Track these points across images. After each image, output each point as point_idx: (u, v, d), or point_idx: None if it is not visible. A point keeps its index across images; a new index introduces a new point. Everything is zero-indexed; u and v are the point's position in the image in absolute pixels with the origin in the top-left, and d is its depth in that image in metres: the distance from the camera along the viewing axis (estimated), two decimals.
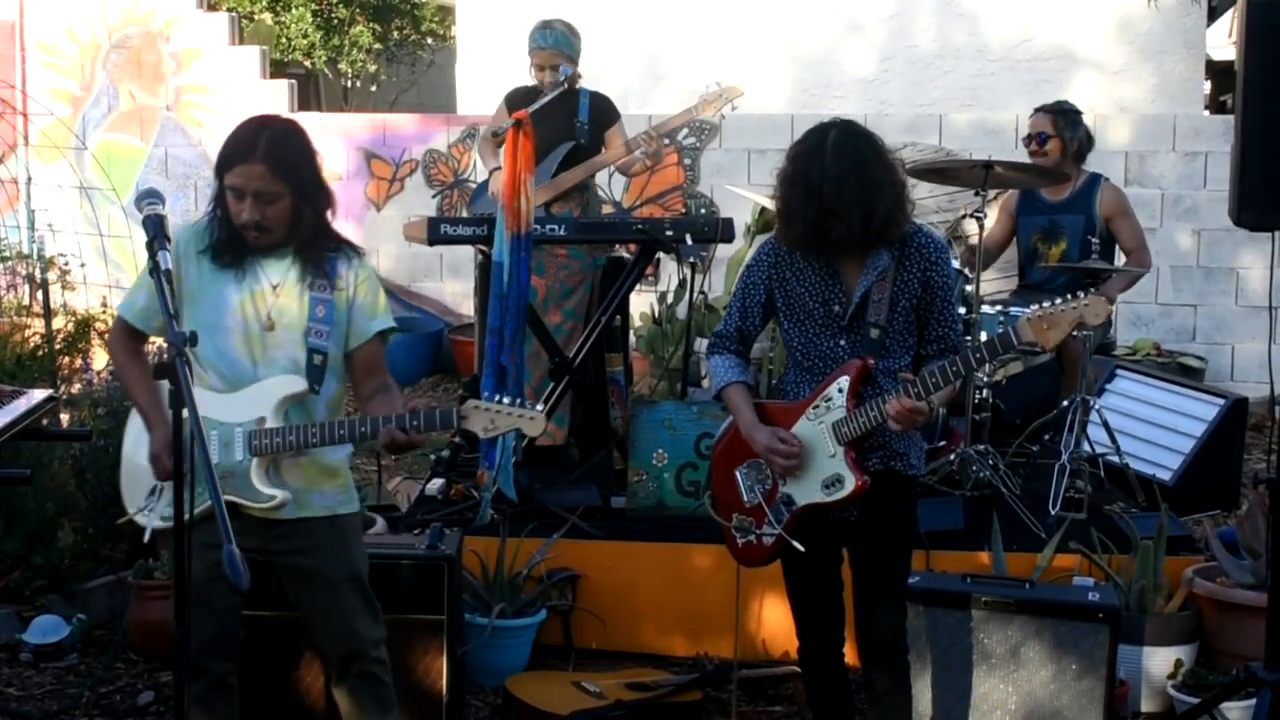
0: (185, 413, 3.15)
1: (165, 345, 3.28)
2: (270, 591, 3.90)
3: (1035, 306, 3.73)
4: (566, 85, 6.62)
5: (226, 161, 3.75)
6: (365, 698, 3.94)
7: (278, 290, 3.79)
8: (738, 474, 4.03)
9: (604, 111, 6.84)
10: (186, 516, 3.18)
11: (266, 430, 3.74)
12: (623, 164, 6.94)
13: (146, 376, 3.81)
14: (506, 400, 3.72)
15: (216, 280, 3.79)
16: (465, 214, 7.32)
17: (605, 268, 6.83)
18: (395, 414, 3.71)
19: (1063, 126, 6.90)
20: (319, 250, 3.81)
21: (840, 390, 3.85)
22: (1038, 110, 7.02)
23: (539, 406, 3.75)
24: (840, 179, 3.76)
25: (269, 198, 3.71)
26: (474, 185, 7.13)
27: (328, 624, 3.91)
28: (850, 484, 3.84)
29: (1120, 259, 7.02)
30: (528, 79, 6.85)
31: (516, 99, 6.79)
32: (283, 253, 3.80)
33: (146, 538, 3.85)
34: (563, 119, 6.59)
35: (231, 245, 3.78)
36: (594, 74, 9.99)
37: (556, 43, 6.67)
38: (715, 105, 6.69)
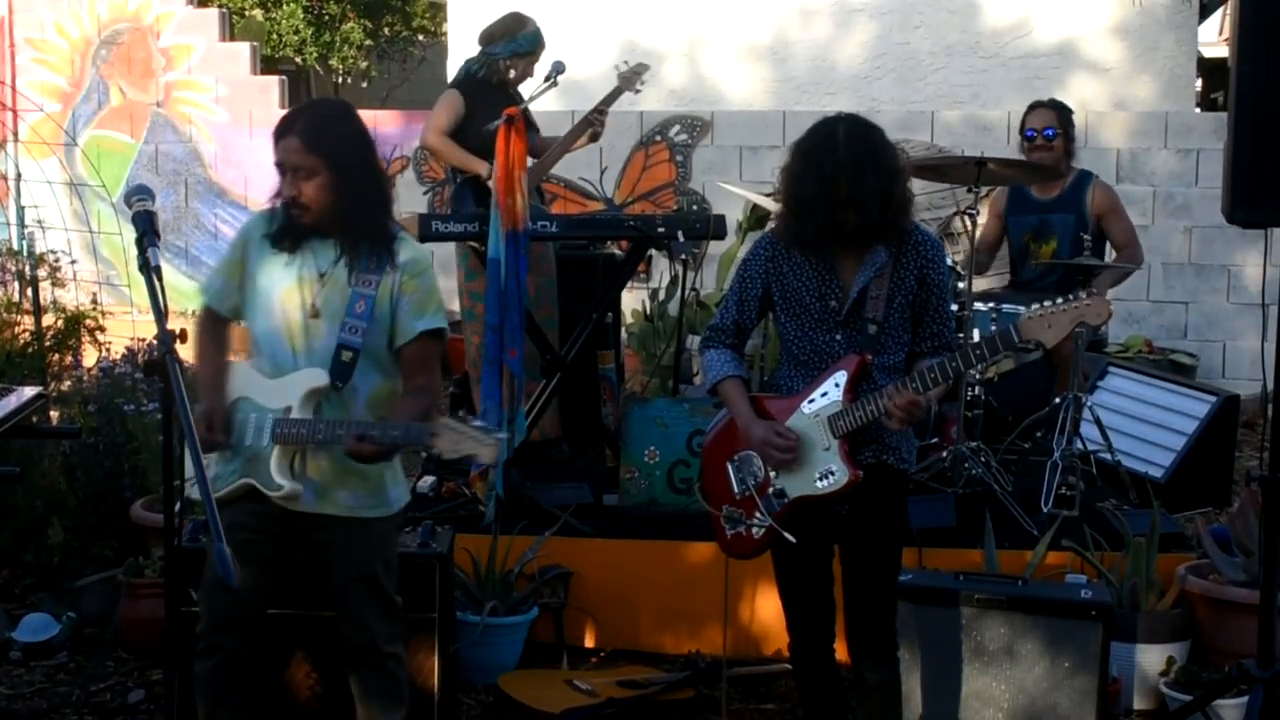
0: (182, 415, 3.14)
1: (155, 341, 3.27)
2: (302, 583, 3.93)
3: (1036, 305, 3.72)
4: (556, 80, 6.62)
5: (273, 139, 3.79)
6: (375, 689, 3.95)
7: (325, 279, 3.79)
8: (729, 466, 4.03)
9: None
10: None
11: (290, 420, 3.74)
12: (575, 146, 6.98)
13: (219, 355, 3.91)
14: (477, 423, 3.60)
15: (272, 265, 3.82)
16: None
17: (591, 258, 6.83)
18: (362, 422, 3.69)
19: (1066, 123, 6.89)
20: (365, 239, 3.79)
21: (837, 384, 3.85)
22: (1039, 106, 6.97)
23: (501, 433, 3.73)
24: (857, 167, 3.76)
25: (304, 172, 3.72)
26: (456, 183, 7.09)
27: (343, 617, 3.91)
28: (844, 477, 3.83)
29: (1110, 256, 7.01)
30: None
31: (471, 90, 6.74)
32: (331, 240, 3.80)
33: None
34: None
35: (288, 230, 3.81)
36: (582, 71, 10.00)
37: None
38: (632, 81, 6.72)
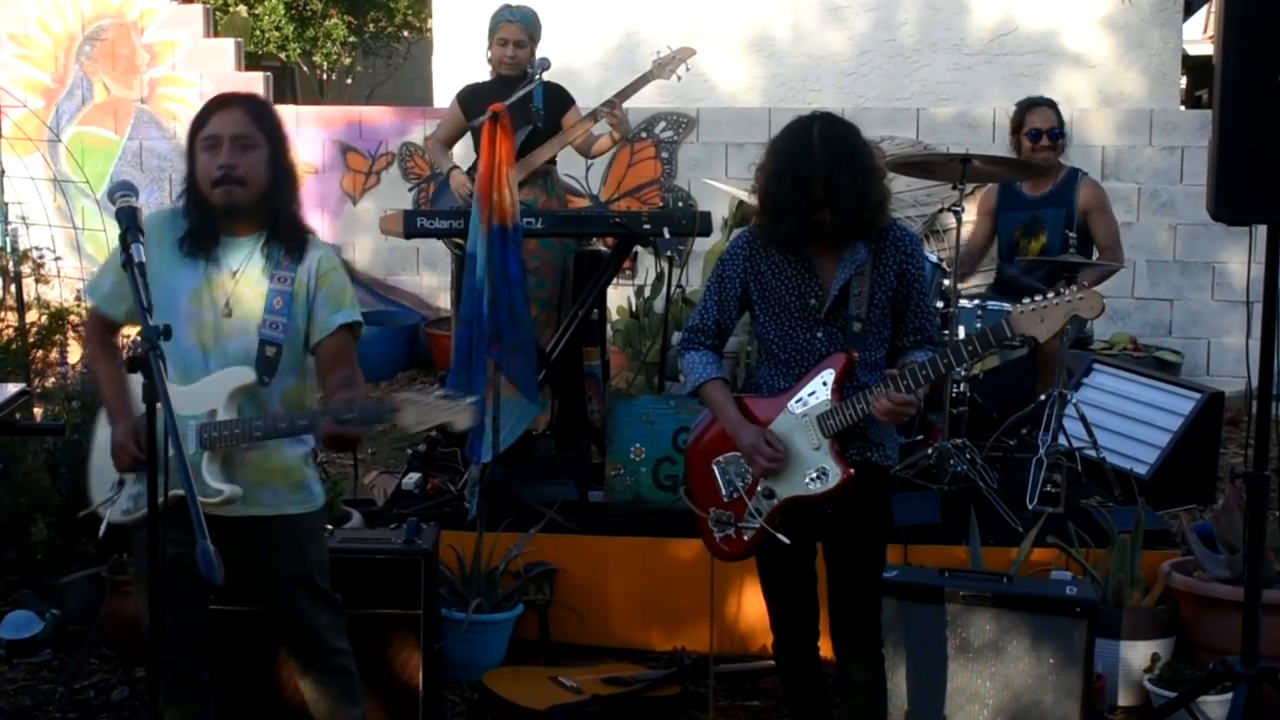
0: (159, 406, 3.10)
1: (139, 338, 3.23)
2: (244, 587, 3.87)
3: (1028, 299, 3.71)
4: (540, 75, 6.62)
5: (201, 120, 3.71)
6: (332, 690, 3.90)
7: (237, 276, 3.71)
8: (714, 468, 4.01)
9: (559, 97, 6.87)
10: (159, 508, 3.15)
11: (217, 423, 3.65)
12: (587, 141, 6.93)
13: (116, 369, 3.78)
14: (438, 392, 3.55)
15: (176, 267, 3.70)
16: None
17: (576, 255, 6.82)
18: (331, 407, 3.63)
19: (1063, 121, 6.90)
20: (285, 230, 3.75)
21: (825, 383, 3.84)
22: (1040, 104, 6.93)
23: (470, 399, 3.56)
24: (831, 168, 3.74)
25: (246, 141, 3.66)
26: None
27: (285, 620, 3.88)
28: (836, 476, 3.82)
29: (1095, 255, 7.01)
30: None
31: (471, 96, 6.80)
32: (248, 238, 3.74)
33: (102, 530, 3.73)
34: (518, 105, 6.55)
35: (200, 234, 3.71)
36: (569, 65, 9.99)
37: (524, 19, 6.77)
38: (669, 67, 6.72)
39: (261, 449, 3.72)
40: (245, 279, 3.72)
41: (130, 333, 3.96)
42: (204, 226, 3.72)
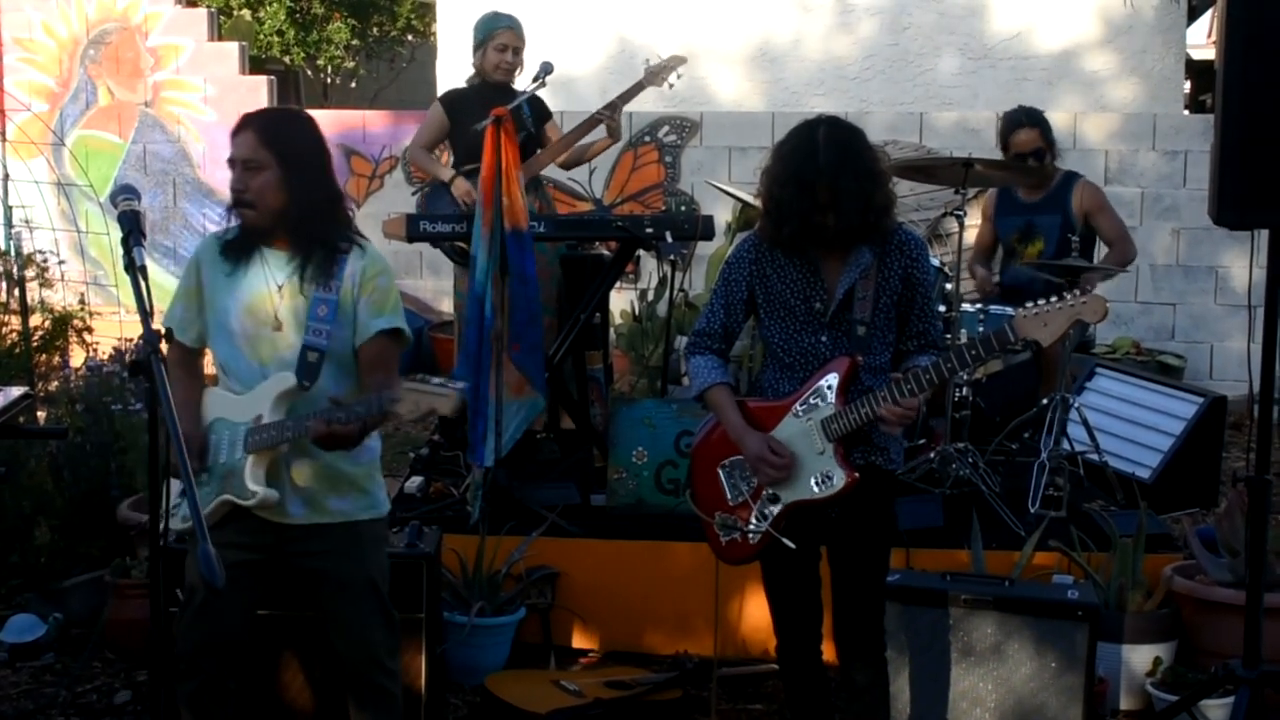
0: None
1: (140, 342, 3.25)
2: (312, 595, 3.91)
3: (1031, 303, 3.71)
4: (544, 80, 6.61)
5: (230, 138, 3.79)
6: (371, 709, 3.92)
7: (283, 291, 3.76)
8: (720, 472, 4.01)
9: (541, 107, 6.85)
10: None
11: (260, 427, 3.72)
12: (581, 147, 6.92)
13: (187, 382, 3.86)
14: (436, 380, 3.60)
15: (227, 284, 3.79)
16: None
17: (570, 258, 6.82)
18: (321, 409, 3.65)
19: (1047, 132, 6.83)
20: (317, 247, 3.77)
21: (829, 387, 3.84)
22: (1021, 125, 6.81)
23: (460, 385, 3.63)
24: (836, 172, 3.75)
25: (253, 164, 3.71)
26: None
27: (341, 629, 3.89)
28: (841, 480, 3.82)
29: (1101, 252, 6.99)
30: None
31: (456, 101, 6.79)
32: (285, 251, 3.79)
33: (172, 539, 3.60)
34: (511, 111, 6.54)
35: (238, 244, 3.80)
36: (569, 72, 10.00)
37: (517, 25, 6.80)
38: (661, 75, 6.72)
39: (321, 458, 3.75)
40: (288, 292, 3.77)
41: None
42: (241, 237, 3.82)
